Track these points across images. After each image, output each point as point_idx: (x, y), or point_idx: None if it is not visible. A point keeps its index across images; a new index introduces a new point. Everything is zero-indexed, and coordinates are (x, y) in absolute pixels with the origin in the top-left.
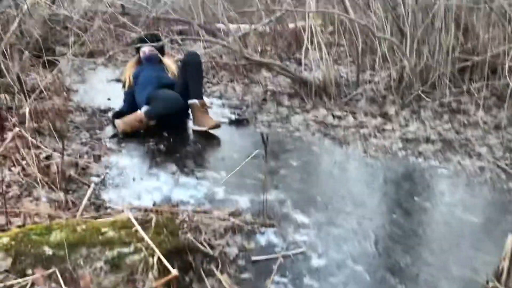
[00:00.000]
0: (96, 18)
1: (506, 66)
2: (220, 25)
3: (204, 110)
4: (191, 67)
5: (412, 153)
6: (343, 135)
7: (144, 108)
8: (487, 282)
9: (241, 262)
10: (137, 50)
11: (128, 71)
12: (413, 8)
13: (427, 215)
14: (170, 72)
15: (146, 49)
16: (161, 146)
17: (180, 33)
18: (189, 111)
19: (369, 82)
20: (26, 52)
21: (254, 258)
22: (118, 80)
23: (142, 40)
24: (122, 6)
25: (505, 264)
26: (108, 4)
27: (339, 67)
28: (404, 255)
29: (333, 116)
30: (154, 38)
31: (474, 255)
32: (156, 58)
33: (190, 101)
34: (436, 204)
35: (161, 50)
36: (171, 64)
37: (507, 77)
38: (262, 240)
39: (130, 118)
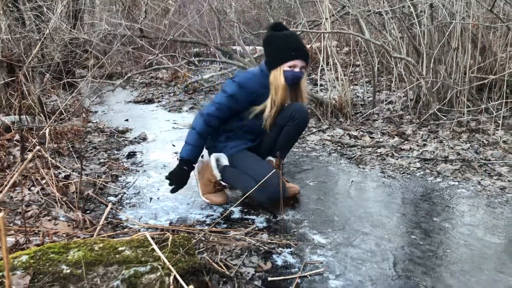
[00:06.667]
0: (115, 41)
1: None
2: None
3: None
4: (294, 125)
5: (431, 172)
6: (360, 155)
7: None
8: None
9: (257, 282)
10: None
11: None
12: (429, 28)
13: (447, 236)
14: None
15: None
16: None
17: (197, 55)
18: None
19: (386, 101)
20: (47, 75)
21: (270, 278)
22: (135, 102)
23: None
24: (141, 29)
25: None
26: (127, 28)
27: (355, 87)
28: (423, 277)
29: (350, 136)
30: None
31: (497, 277)
32: None
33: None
34: (456, 225)
35: None
36: None
37: None
38: (278, 260)
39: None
